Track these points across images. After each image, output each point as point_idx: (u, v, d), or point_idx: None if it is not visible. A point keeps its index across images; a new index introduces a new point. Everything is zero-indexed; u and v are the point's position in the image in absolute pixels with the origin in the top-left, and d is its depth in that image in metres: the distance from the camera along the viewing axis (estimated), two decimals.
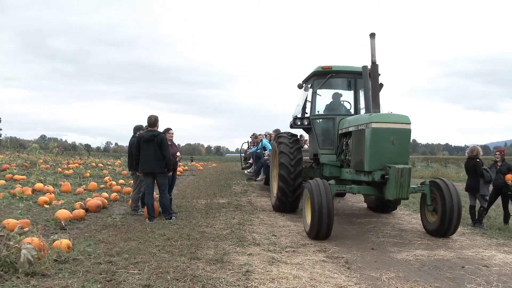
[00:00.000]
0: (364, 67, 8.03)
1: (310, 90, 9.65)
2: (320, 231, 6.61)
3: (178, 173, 15.19)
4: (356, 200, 12.46)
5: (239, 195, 13.02)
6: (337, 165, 8.83)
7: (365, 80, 8.03)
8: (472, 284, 4.74)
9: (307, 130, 10.02)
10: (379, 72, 7.75)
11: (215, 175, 22.66)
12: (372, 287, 4.54)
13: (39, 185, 12.04)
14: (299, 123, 9.62)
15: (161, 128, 8.63)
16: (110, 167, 23.62)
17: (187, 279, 4.41)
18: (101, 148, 48.21)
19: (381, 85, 8.51)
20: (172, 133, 9.28)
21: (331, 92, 9.93)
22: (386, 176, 6.73)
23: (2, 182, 12.77)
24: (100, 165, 24.04)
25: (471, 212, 8.89)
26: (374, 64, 7.58)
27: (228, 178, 19.91)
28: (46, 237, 5.58)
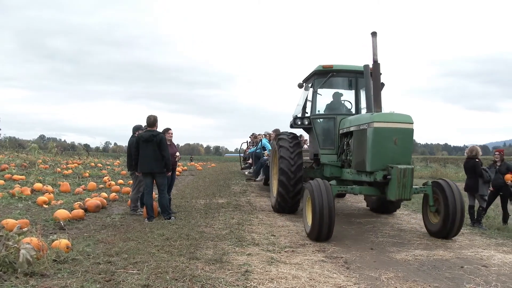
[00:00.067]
0: (366, 66, 7.96)
1: (311, 90, 9.56)
2: (321, 232, 6.53)
3: (177, 173, 15.16)
4: (355, 200, 12.46)
5: (238, 195, 13.01)
6: (338, 165, 8.74)
7: (367, 79, 7.95)
8: (471, 284, 4.75)
9: (307, 130, 9.91)
10: (381, 71, 7.67)
11: (214, 175, 22.66)
12: (371, 287, 4.54)
13: (38, 185, 12.02)
14: (299, 123, 9.51)
15: (160, 128, 8.64)
16: (109, 167, 23.59)
17: (186, 279, 4.41)
18: (100, 148, 48.24)
19: (382, 84, 8.45)
20: (172, 133, 9.28)
21: (331, 91, 9.84)
22: (388, 177, 6.65)
23: (1, 182, 12.74)
24: (99, 165, 24.01)
25: (470, 212, 8.90)
26: (375, 63, 7.48)
27: (227, 178, 19.90)
28: (45, 237, 5.57)
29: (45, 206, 9.33)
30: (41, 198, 9.66)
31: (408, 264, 5.51)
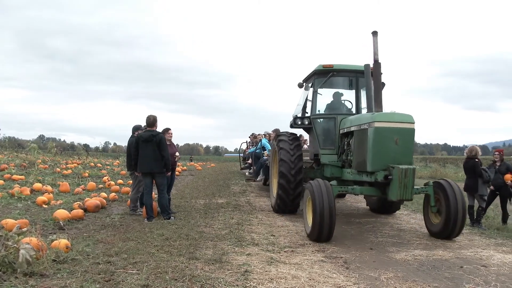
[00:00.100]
0: (366, 66, 7.91)
1: (311, 89, 9.50)
2: (321, 233, 6.48)
3: (176, 173, 15.16)
4: (354, 200, 12.47)
5: (238, 195, 13.02)
6: (338, 165, 8.67)
7: (367, 78, 7.89)
8: (471, 284, 4.75)
9: (307, 130, 9.84)
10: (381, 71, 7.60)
11: (214, 175, 22.67)
12: (370, 287, 4.54)
13: (37, 185, 12.02)
14: (299, 122, 9.44)
15: (159, 128, 8.63)
16: (108, 167, 23.59)
17: (186, 279, 4.41)
18: (100, 148, 48.25)
19: (383, 84, 8.33)
20: (171, 133, 9.28)
21: (332, 91, 9.77)
22: (389, 177, 6.60)
23: (1, 182, 12.72)
24: (99, 165, 23.99)
25: (469, 212, 8.89)
26: (376, 63, 7.42)
27: (227, 178, 19.91)
28: (45, 237, 5.56)
29: (44, 206, 9.33)
30: (41, 198, 9.65)
31: (407, 264, 5.51)
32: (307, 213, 7.06)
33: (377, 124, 6.85)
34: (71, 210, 8.17)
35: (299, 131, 11.65)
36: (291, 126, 9.80)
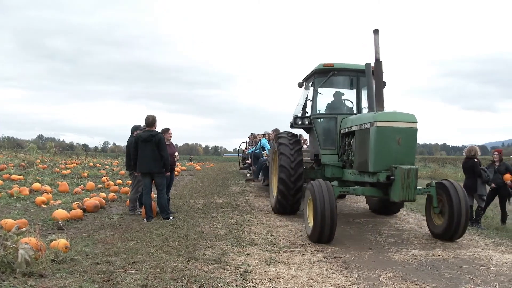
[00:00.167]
0: (368, 65, 7.80)
1: (311, 89, 9.40)
2: (322, 234, 6.40)
3: (176, 173, 15.14)
4: (354, 200, 12.47)
5: (237, 195, 13.02)
6: (339, 165, 8.59)
7: (368, 78, 7.78)
8: (470, 283, 4.75)
9: (307, 129, 9.73)
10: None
11: (213, 175, 22.66)
12: (370, 287, 4.54)
13: (36, 185, 12.00)
14: (299, 122, 9.33)
15: (159, 128, 8.62)
16: (107, 167, 23.58)
17: (185, 279, 4.40)
18: (99, 148, 48.26)
19: (384, 83, 8.12)
20: (171, 134, 9.29)
21: (332, 90, 9.67)
22: (391, 177, 6.52)
23: (0, 182, 12.72)
24: (98, 165, 23.99)
25: None
26: (378, 62, 7.32)
27: (226, 178, 19.91)
28: (44, 237, 5.56)
29: (43, 206, 9.31)
30: (40, 198, 9.64)
31: (406, 264, 5.51)
32: (308, 214, 6.98)
33: (379, 124, 6.76)
34: (70, 210, 8.16)
35: (299, 131, 11.58)
36: (291, 126, 9.70)
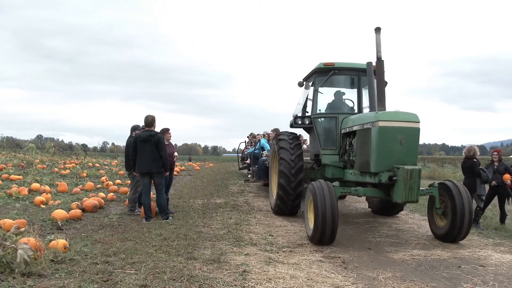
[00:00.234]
0: (369, 64, 7.69)
1: (312, 88, 9.29)
2: (324, 236, 6.28)
3: (175, 173, 15.14)
4: (353, 200, 12.47)
5: (236, 195, 13.01)
6: (340, 166, 8.48)
7: (370, 77, 7.69)
8: (469, 283, 4.75)
9: (308, 129, 9.63)
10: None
11: (212, 175, 22.66)
12: (369, 287, 4.54)
13: (35, 185, 11.99)
14: (300, 122, 9.22)
15: (158, 128, 8.62)
16: (106, 167, 23.58)
17: (184, 279, 4.40)
18: (98, 148, 48.28)
19: (385, 82, 7.87)
20: (171, 134, 9.29)
21: (333, 90, 9.53)
22: (394, 178, 6.40)
23: None
24: (97, 165, 24.00)
25: None
26: (379, 60, 7.19)
27: (225, 178, 19.91)
28: (43, 237, 5.55)
29: (42, 206, 9.31)
30: (39, 198, 9.63)
31: (405, 264, 5.51)
32: (309, 215, 6.88)
33: (381, 124, 6.64)
34: (69, 210, 8.15)
35: (299, 131, 11.48)
36: (291, 126, 9.61)
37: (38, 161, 21.22)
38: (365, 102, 9.07)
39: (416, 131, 6.69)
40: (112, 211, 9.32)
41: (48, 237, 5.74)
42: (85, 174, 17.33)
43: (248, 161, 17.98)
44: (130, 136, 9.05)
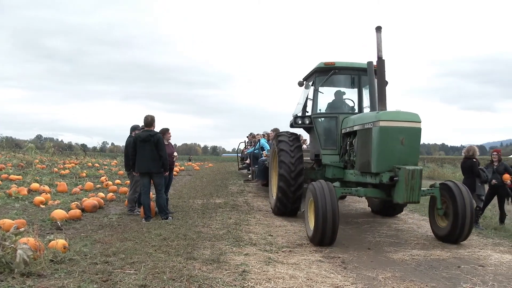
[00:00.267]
0: (370, 63, 7.67)
1: (312, 88, 9.23)
2: (324, 237, 6.23)
3: (174, 173, 15.14)
4: (352, 200, 12.46)
5: (236, 195, 13.01)
6: (340, 166, 8.41)
7: (370, 76, 7.66)
8: (468, 283, 4.76)
9: (308, 129, 9.55)
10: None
11: (212, 175, 22.66)
12: (368, 287, 4.54)
13: (35, 185, 11.98)
14: (300, 122, 9.16)
15: (157, 128, 8.61)
16: (106, 167, 23.55)
17: (184, 279, 4.40)
18: (97, 148, 48.30)
19: (386, 82, 7.70)
20: (171, 134, 9.29)
21: (333, 89, 9.43)
22: (395, 178, 6.35)
23: None
24: (97, 165, 23.98)
25: None
26: (380, 60, 7.10)
27: (225, 178, 19.91)
28: (42, 237, 5.55)
29: (42, 206, 9.30)
30: (38, 198, 9.63)
31: (405, 264, 5.51)
32: (309, 216, 6.82)
33: (382, 123, 6.59)
34: (69, 210, 8.15)
35: (299, 131, 11.40)
36: (291, 126, 9.55)
37: (37, 161, 21.21)
38: (366, 101, 9.03)
39: (418, 131, 6.64)
40: (112, 211, 9.32)
41: (48, 237, 5.74)
42: (84, 174, 17.33)
43: (247, 161, 17.97)
44: (130, 136, 9.05)
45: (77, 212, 8.08)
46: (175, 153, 9.62)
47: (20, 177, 14.49)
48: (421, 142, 6.92)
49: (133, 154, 8.24)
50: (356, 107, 9.24)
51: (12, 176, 14.34)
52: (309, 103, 9.34)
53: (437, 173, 27.45)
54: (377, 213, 9.87)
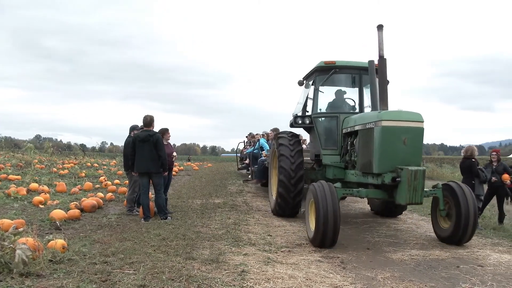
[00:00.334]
0: (371, 62, 7.61)
1: (312, 87, 9.12)
2: (325, 239, 6.13)
3: (173, 173, 15.12)
4: (351, 200, 12.46)
5: (235, 195, 13.01)
6: (341, 166, 8.32)
7: (372, 75, 7.61)
8: (467, 283, 4.76)
9: (308, 129, 9.43)
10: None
11: (211, 175, 22.65)
12: (367, 287, 4.55)
13: (34, 185, 11.98)
14: (300, 122, 9.03)
15: (156, 128, 8.60)
16: (105, 167, 23.54)
17: (183, 279, 4.40)
18: (96, 148, 48.27)
19: (387, 81, 7.58)
20: (170, 134, 9.29)
21: (334, 89, 9.32)
22: (397, 179, 6.25)
23: None
24: (95, 165, 23.97)
25: None
26: (381, 58, 7.01)
27: (224, 178, 19.91)
28: (41, 237, 5.55)
29: (41, 206, 9.30)
30: (37, 198, 9.62)
31: (404, 264, 5.52)
32: (310, 217, 6.73)
33: (384, 123, 6.49)
34: (68, 210, 8.15)
35: (298, 131, 11.28)
36: (291, 126, 9.44)
37: (36, 161, 21.21)
38: (367, 101, 8.95)
39: (420, 130, 6.56)
40: (111, 211, 9.31)
41: (47, 237, 5.73)
42: (83, 174, 17.32)
43: (247, 161, 17.94)
44: (129, 136, 9.04)
45: (76, 212, 8.07)
46: (175, 153, 9.62)
47: (19, 177, 14.47)
48: None
49: (132, 154, 8.23)
50: (357, 107, 9.14)
51: (11, 176, 14.33)
52: (309, 103, 9.24)
53: (436, 173, 27.47)
54: (377, 214, 9.80)
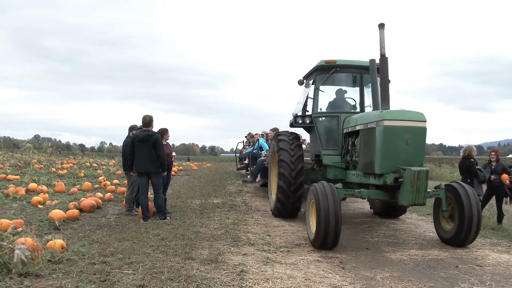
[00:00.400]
0: (372, 61, 7.55)
1: (312, 87, 9.02)
2: (326, 240, 6.01)
3: (172, 173, 15.12)
4: (351, 200, 12.45)
5: (234, 195, 13.00)
6: (342, 166, 8.20)
7: (373, 74, 7.55)
8: (466, 283, 4.76)
9: (308, 129, 9.33)
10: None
11: (210, 175, 22.64)
12: (366, 287, 4.55)
13: (32, 185, 11.97)
14: (300, 121, 8.92)
15: (155, 128, 8.60)
16: (104, 167, 23.54)
17: (182, 279, 4.40)
18: (95, 148, 48.22)
19: (389, 81, 7.48)
20: (169, 135, 9.28)
21: (334, 88, 9.21)
22: (400, 180, 6.15)
23: None
24: (94, 165, 23.97)
25: None
26: (383, 57, 6.93)
27: (223, 178, 19.90)
28: (40, 238, 5.54)
29: (40, 206, 9.29)
30: (36, 198, 9.61)
31: (403, 264, 5.52)
32: (311, 219, 6.56)
33: (386, 123, 6.38)
34: (67, 210, 8.14)
35: (298, 131, 11.15)
36: (291, 125, 9.33)
37: (35, 161, 21.21)
38: (368, 100, 8.87)
39: (423, 130, 6.47)
40: (110, 211, 9.30)
41: (46, 237, 5.74)
42: (82, 174, 17.31)
43: (246, 161, 17.93)
44: (128, 136, 9.04)
45: (75, 212, 8.07)
46: (174, 153, 9.61)
47: (18, 177, 14.47)
48: None
49: (131, 154, 8.22)
50: (357, 106, 9.04)
51: (10, 176, 14.32)
52: (310, 102, 9.13)
53: (435, 173, 27.47)
54: (378, 214, 9.71)
